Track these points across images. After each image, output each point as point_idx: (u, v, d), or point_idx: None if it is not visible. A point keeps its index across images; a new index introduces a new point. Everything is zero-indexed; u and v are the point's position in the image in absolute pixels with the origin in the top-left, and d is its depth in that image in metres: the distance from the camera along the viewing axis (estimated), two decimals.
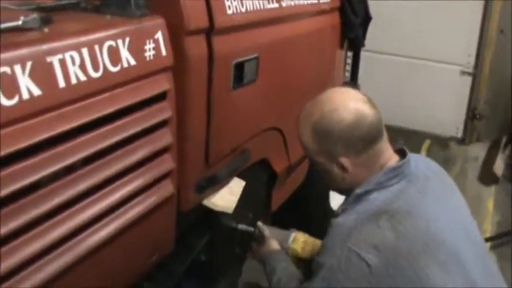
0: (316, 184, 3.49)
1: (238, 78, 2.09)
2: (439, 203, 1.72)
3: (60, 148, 1.35)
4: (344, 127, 1.64)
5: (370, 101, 1.70)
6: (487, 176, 5.17)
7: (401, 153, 1.78)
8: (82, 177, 1.44)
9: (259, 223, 2.26)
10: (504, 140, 5.58)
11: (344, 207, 1.74)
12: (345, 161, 1.68)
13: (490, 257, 1.81)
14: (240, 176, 2.32)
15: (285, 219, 3.15)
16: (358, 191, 1.71)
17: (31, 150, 1.27)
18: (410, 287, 1.55)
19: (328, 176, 1.77)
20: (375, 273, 1.53)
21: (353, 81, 3.98)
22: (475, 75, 5.80)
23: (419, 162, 1.80)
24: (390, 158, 1.73)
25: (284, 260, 2.05)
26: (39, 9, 1.55)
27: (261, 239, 2.20)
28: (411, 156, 1.76)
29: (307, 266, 2.12)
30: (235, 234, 2.41)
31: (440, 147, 5.90)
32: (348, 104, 1.68)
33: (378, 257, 1.54)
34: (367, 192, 1.68)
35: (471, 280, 1.63)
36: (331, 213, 3.78)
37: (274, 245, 2.14)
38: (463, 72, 5.81)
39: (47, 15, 1.45)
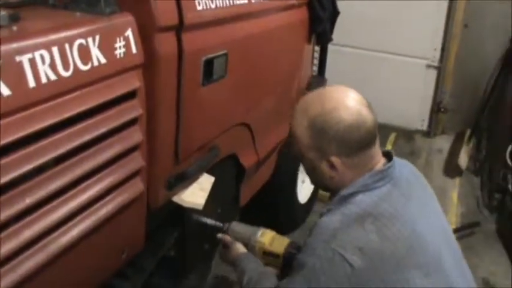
0: (284, 179, 3.52)
1: (208, 74, 2.09)
2: (422, 207, 1.73)
3: (30, 148, 1.34)
4: (342, 128, 1.62)
5: (370, 105, 1.69)
6: (451, 168, 5.25)
7: (387, 156, 1.79)
8: (52, 177, 1.43)
9: (220, 235, 2.24)
10: (468, 132, 5.65)
11: (329, 208, 1.72)
12: (335, 160, 1.66)
13: (464, 260, 1.83)
14: (209, 172, 2.32)
15: (252, 213, 3.18)
16: (343, 192, 1.69)
17: (1, 150, 1.26)
18: None
19: (315, 172, 1.75)
20: (357, 274, 1.54)
21: (320, 75, 4.01)
22: (441, 69, 5.87)
23: (402, 166, 1.80)
24: (378, 162, 1.73)
25: (253, 261, 2.03)
26: (6, 5, 1.53)
27: (225, 244, 2.19)
28: (395, 159, 1.77)
29: (274, 261, 2.12)
30: (204, 230, 2.42)
31: (405, 139, 5.97)
32: (350, 105, 1.65)
33: (362, 259, 1.54)
34: (353, 194, 1.67)
35: (449, 283, 1.65)
36: (298, 207, 3.83)
37: (240, 248, 2.13)
38: (429, 66, 5.87)
39: (15, 12, 1.43)
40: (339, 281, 1.55)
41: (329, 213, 1.70)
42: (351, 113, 1.64)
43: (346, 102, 1.66)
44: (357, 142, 1.65)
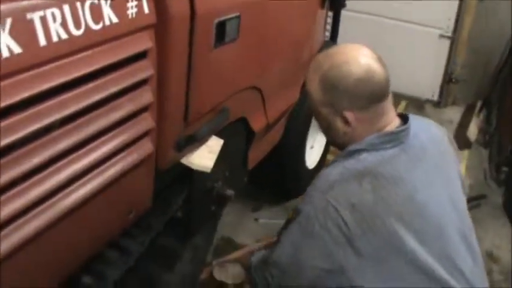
0: (292, 143, 3.52)
1: (220, 37, 2.07)
2: (430, 176, 1.72)
3: (40, 106, 1.34)
4: (351, 81, 1.64)
5: (381, 60, 1.70)
6: (460, 140, 5.22)
7: (404, 119, 1.78)
8: (61, 136, 1.43)
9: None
10: (479, 104, 5.63)
11: (334, 159, 1.76)
12: (349, 115, 1.68)
13: (473, 231, 1.82)
14: (218, 135, 2.32)
15: (260, 177, 3.20)
16: (350, 147, 1.71)
17: (11, 109, 1.26)
18: (384, 247, 1.58)
19: (329, 128, 1.77)
20: (350, 229, 1.56)
21: (333, 41, 3.98)
22: (454, 40, 5.81)
23: (421, 131, 1.78)
24: (391, 121, 1.73)
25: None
26: None
27: None
28: (413, 123, 1.75)
29: None
30: (212, 193, 2.43)
31: (416, 109, 5.93)
32: (359, 60, 1.67)
33: (353, 215, 1.56)
34: (358, 151, 1.69)
35: (449, 255, 1.66)
36: (306, 172, 3.84)
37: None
38: (442, 36, 5.82)
39: None
40: (332, 231, 1.58)
41: (331, 165, 1.74)
42: (360, 67, 1.65)
43: (357, 56, 1.68)
44: (367, 96, 1.66)
